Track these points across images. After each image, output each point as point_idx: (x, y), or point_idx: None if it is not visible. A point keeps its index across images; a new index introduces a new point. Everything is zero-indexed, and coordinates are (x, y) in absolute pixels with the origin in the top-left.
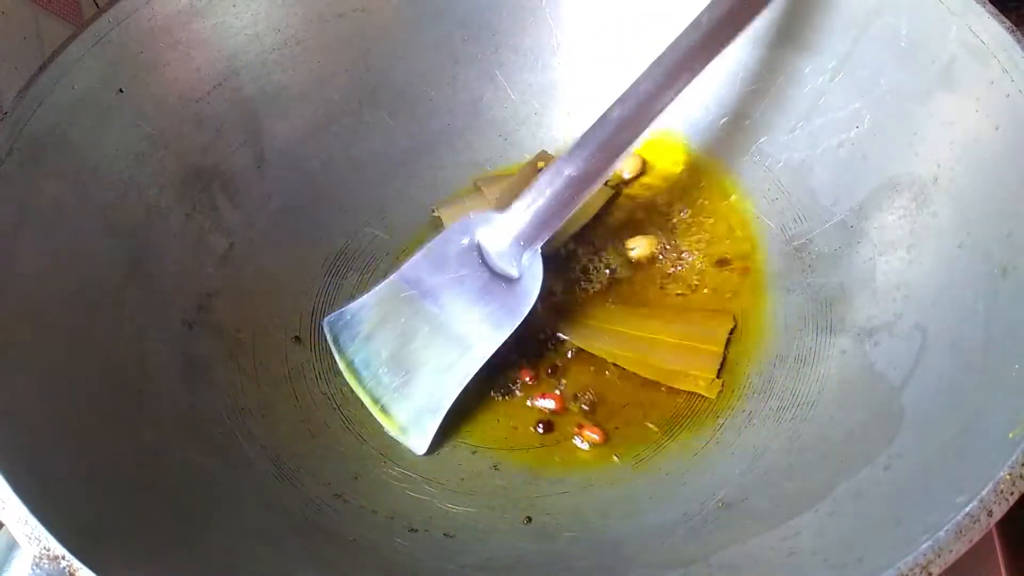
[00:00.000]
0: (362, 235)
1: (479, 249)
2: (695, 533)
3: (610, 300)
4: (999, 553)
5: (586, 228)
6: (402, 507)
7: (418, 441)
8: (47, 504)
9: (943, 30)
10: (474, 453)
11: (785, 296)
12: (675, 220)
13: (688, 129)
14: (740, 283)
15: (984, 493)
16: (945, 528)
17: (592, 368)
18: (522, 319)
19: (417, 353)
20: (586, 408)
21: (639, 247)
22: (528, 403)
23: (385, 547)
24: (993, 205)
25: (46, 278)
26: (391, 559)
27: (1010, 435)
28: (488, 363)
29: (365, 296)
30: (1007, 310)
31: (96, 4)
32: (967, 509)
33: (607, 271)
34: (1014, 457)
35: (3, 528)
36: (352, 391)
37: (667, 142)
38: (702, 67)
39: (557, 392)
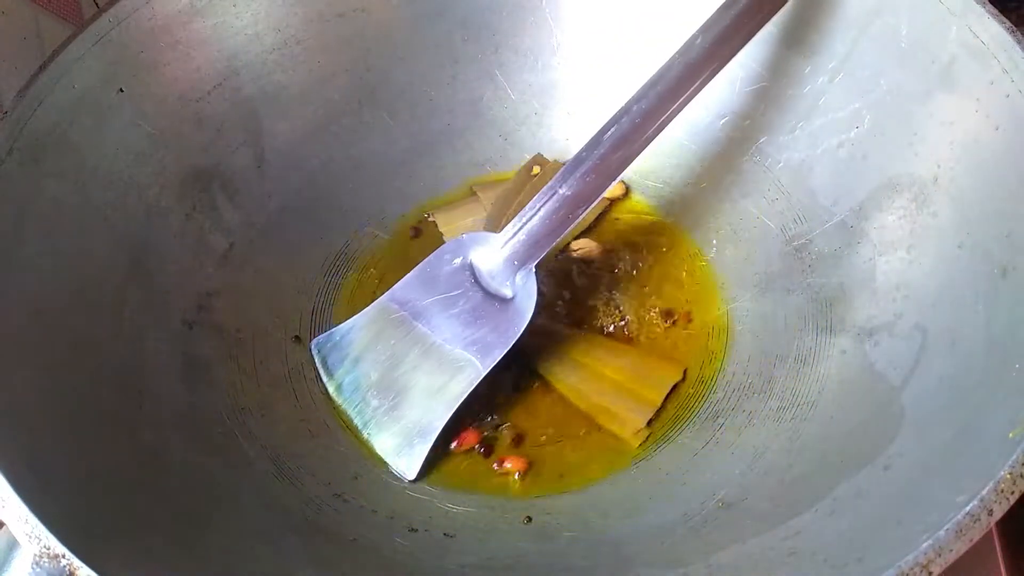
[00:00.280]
0: (362, 235)
1: (472, 269)
2: (695, 533)
3: (568, 321)
4: (999, 553)
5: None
6: (402, 507)
7: (408, 465)
8: (47, 503)
9: (943, 30)
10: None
11: (785, 296)
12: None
13: (687, 131)
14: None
15: (984, 493)
16: (945, 527)
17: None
18: (515, 340)
19: (407, 375)
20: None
21: (582, 248)
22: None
23: (385, 547)
24: (993, 205)
25: (46, 278)
26: (391, 559)
27: (1010, 435)
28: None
29: (355, 317)
30: (1007, 310)
31: (96, 4)
32: (967, 508)
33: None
34: (1014, 457)
35: (3, 527)
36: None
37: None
38: (697, 89)
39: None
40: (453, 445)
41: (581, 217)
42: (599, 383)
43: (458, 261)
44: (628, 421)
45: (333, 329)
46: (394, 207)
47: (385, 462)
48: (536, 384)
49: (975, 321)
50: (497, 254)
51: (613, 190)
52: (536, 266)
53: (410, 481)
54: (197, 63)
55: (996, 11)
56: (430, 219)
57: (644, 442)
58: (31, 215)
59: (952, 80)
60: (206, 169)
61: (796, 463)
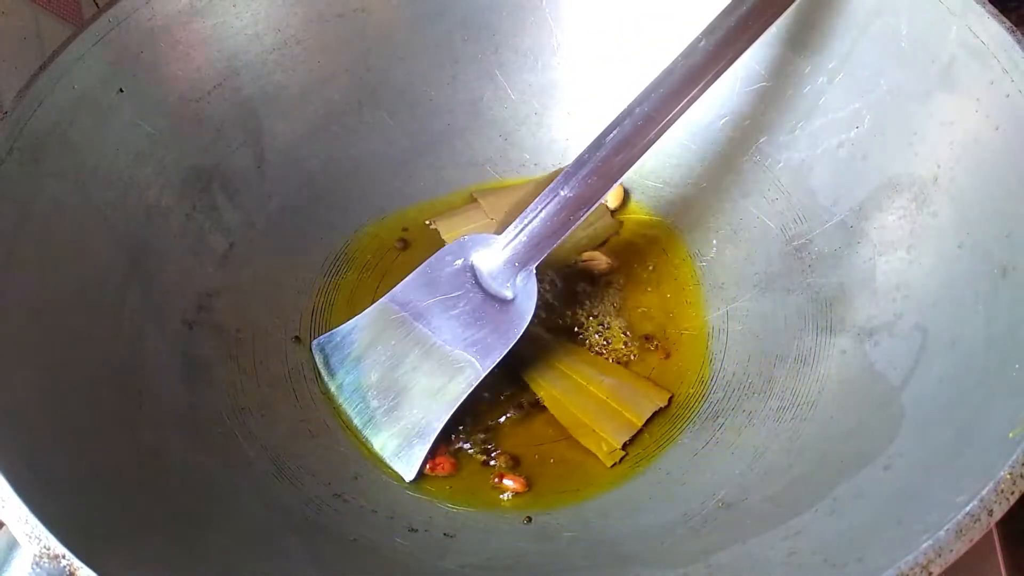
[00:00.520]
0: (362, 235)
1: (472, 270)
2: (695, 533)
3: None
4: (999, 553)
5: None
6: (402, 507)
7: (406, 466)
8: (47, 503)
9: (943, 30)
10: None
11: (785, 296)
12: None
13: (687, 131)
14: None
15: (984, 493)
16: (945, 528)
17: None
18: (515, 341)
19: (407, 376)
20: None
21: (589, 260)
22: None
23: (385, 547)
24: (993, 205)
25: (46, 278)
26: (391, 559)
27: (1010, 435)
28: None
29: (356, 318)
30: (1007, 310)
31: (96, 4)
32: (967, 509)
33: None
34: (1014, 457)
35: (3, 527)
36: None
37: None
38: (700, 92)
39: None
40: (427, 468)
41: (583, 219)
42: (582, 397)
43: (459, 262)
44: (604, 440)
45: (335, 330)
46: (394, 207)
47: (385, 462)
48: (526, 404)
49: (975, 321)
50: (498, 255)
51: (612, 199)
52: (536, 268)
53: (409, 481)
54: (197, 63)
55: (996, 11)
56: (432, 226)
57: (617, 463)
58: (31, 215)
59: (952, 80)
60: (206, 169)
61: (796, 463)
